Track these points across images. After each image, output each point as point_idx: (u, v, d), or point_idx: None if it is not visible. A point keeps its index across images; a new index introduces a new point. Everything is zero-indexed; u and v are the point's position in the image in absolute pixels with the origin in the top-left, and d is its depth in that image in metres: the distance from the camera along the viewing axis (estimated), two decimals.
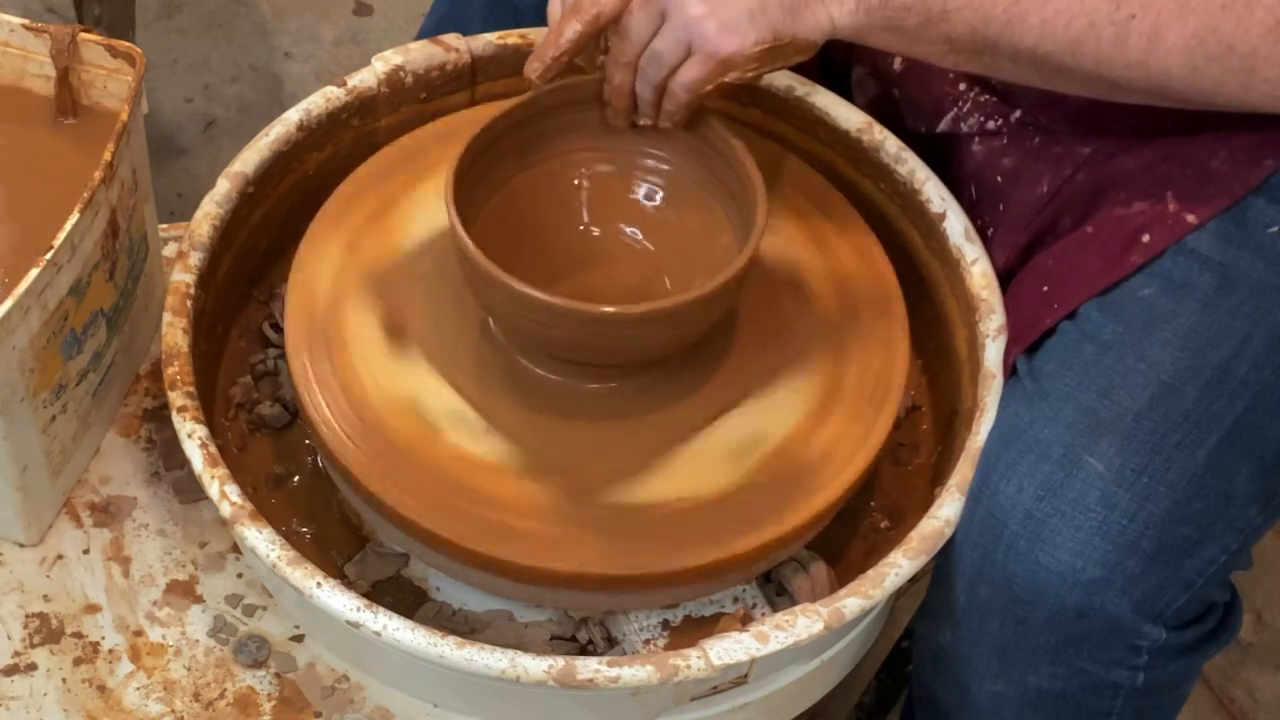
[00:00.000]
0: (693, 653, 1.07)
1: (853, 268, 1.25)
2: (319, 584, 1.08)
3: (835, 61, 1.38)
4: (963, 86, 1.29)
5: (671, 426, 1.17)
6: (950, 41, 1.11)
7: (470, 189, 1.16)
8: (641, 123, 1.20)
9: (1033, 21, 1.08)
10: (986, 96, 1.28)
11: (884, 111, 1.34)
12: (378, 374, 1.17)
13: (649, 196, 1.24)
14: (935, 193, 1.29)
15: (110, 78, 1.21)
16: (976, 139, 1.29)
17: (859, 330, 1.21)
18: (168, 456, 1.25)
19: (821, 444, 1.16)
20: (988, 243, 1.27)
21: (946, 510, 1.14)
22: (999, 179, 1.28)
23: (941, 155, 1.32)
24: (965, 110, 1.29)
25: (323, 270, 1.22)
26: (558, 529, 1.11)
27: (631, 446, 1.15)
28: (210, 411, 1.23)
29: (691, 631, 1.19)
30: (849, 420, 1.17)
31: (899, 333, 1.22)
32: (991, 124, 1.28)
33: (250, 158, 1.27)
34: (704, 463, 1.15)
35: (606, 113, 1.20)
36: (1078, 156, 1.23)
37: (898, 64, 1.33)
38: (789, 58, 1.15)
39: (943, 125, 1.30)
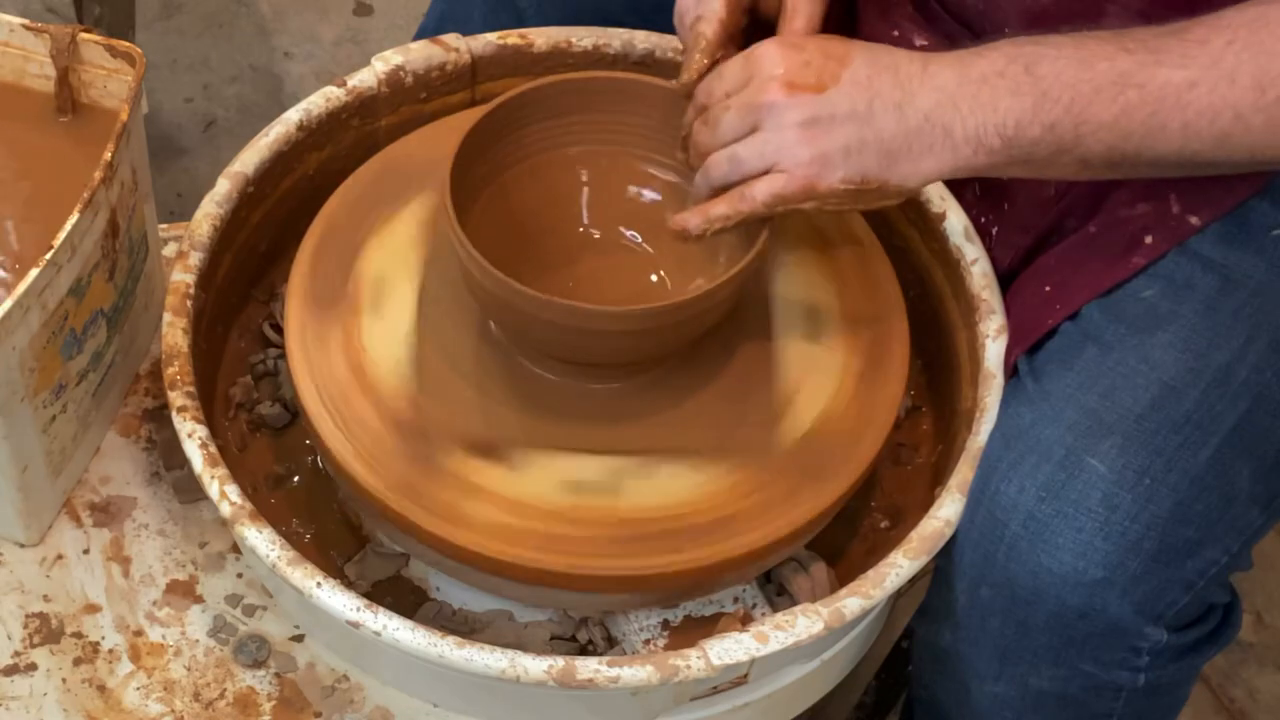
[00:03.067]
0: (693, 653, 1.07)
1: (862, 298, 1.23)
2: (319, 584, 1.08)
3: None
4: None
5: (669, 428, 1.16)
6: (1085, 162, 1.07)
7: (470, 186, 1.16)
8: (694, 230, 1.12)
9: (1173, 128, 1.03)
10: None
11: None
12: (372, 358, 1.17)
13: (649, 198, 1.24)
14: (935, 192, 1.28)
15: (110, 78, 1.21)
16: None
17: (859, 363, 1.20)
18: (168, 456, 1.25)
19: (802, 464, 1.15)
20: (990, 241, 1.27)
21: (947, 510, 1.14)
22: (1003, 177, 1.27)
23: None
24: None
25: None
26: (540, 525, 1.11)
27: (628, 447, 1.15)
28: (210, 411, 1.23)
29: (691, 631, 1.19)
30: (836, 440, 1.16)
31: (897, 370, 1.20)
32: None
33: (250, 158, 1.27)
34: (697, 467, 1.15)
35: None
36: None
37: None
38: (874, 201, 1.10)
39: None
